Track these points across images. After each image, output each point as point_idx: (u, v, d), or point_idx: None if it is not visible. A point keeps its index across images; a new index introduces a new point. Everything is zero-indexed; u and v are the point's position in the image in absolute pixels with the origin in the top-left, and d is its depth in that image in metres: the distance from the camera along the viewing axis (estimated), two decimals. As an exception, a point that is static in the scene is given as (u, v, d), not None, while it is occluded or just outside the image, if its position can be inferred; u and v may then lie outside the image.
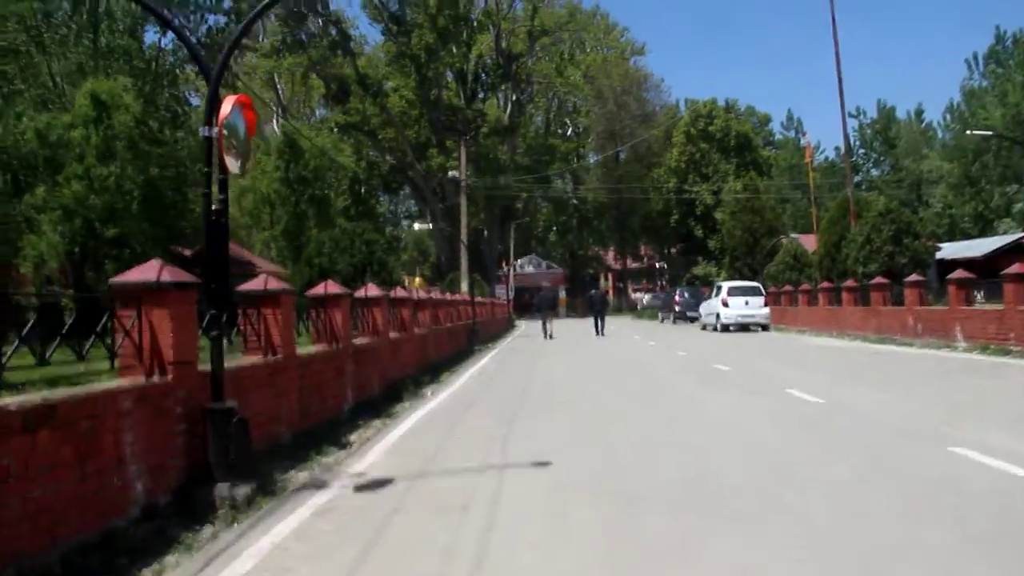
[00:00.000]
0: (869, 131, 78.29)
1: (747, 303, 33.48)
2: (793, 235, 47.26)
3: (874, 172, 77.55)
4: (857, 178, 76.11)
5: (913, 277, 23.74)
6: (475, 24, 66.63)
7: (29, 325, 6.02)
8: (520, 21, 70.45)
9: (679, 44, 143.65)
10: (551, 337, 32.93)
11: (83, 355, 6.40)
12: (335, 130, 64.38)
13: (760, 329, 33.60)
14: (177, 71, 39.40)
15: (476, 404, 13.38)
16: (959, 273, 21.54)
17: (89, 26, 34.82)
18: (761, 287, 35.07)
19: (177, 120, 39.87)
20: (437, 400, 14.21)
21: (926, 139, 75.23)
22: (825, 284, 30.60)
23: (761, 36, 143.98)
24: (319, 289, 12.32)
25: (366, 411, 12.20)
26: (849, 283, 28.28)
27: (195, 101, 59.88)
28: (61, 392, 5.67)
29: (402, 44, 63.56)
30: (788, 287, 35.56)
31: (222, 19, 40.32)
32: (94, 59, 33.93)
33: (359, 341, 13.55)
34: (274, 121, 64.00)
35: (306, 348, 11.14)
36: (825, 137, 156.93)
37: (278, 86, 67.78)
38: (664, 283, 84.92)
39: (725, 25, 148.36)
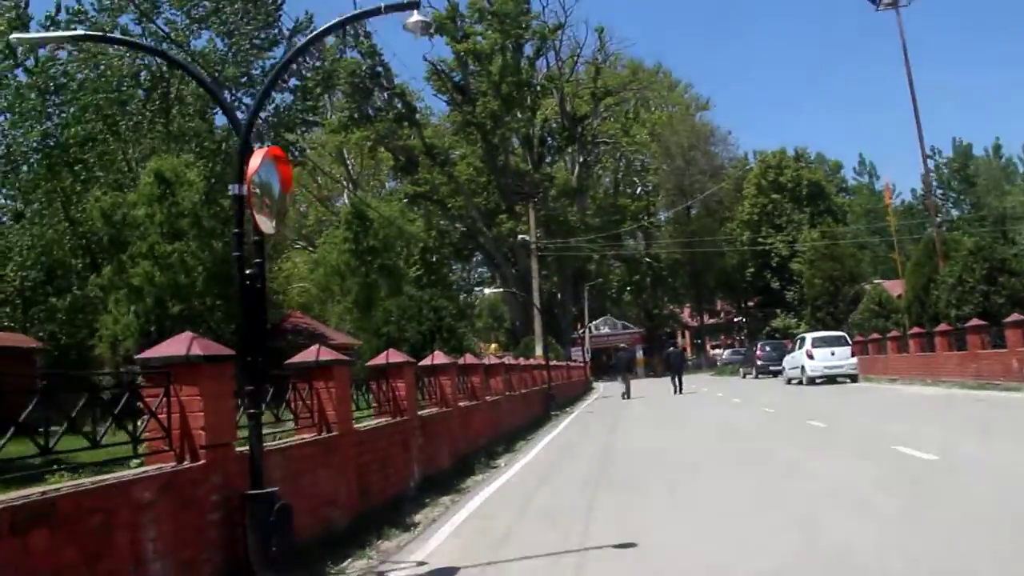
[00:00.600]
0: (946, 170, 76.07)
1: (833, 354, 31.93)
2: (876, 280, 45.49)
3: (954, 212, 75.07)
4: (938, 219, 73.92)
5: (1014, 317, 22.14)
6: (539, 89, 66.56)
7: (81, 403, 5.38)
8: (583, 83, 70.35)
9: (743, 96, 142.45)
10: (629, 396, 32.81)
11: (97, 440, 5.63)
12: (405, 200, 64.72)
13: (848, 380, 31.98)
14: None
15: (553, 476, 12.38)
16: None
17: (161, 111, 35.25)
18: (847, 336, 33.50)
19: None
20: (511, 472, 13.25)
21: (1006, 175, 72.75)
22: (915, 330, 29.02)
23: (827, 82, 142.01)
24: (380, 359, 11.56)
25: (434, 487, 11.29)
26: (942, 327, 26.73)
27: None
28: (66, 483, 4.92)
29: (467, 113, 63.72)
30: (875, 335, 33.92)
31: (288, 97, 40.24)
32: (166, 142, 34.18)
33: (426, 412, 12.71)
34: (344, 195, 64.55)
35: (366, 422, 10.33)
36: (900, 179, 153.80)
37: (347, 160, 68.42)
38: (742, 338, 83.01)
39: (790, 73, 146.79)
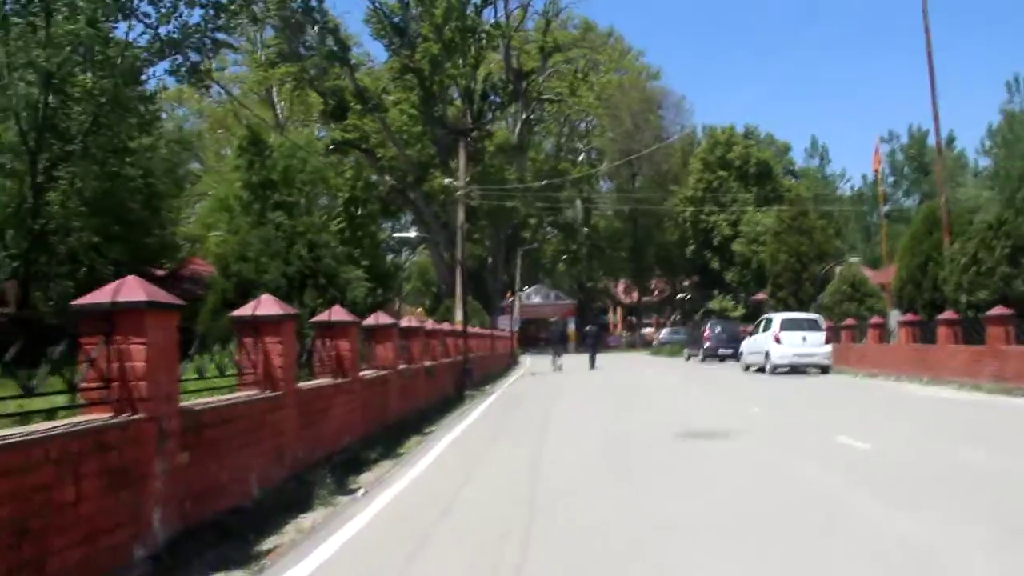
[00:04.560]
0: (902, 156, 71.30)
1: (804, 339, 26.29)
2: (852, 259, 39.92)
3: (904, 201, 70.48)
4: (886, 207, 69.21)
5: (1060, 306, 16.59)
6: (483, 38, 59.85)
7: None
8: (531, 39, 63.98)
9: (696, 69, 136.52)
10: (560, 370, 32.64)
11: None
12: (331, 147, 57.96)
13: (819, 371, 26.47)
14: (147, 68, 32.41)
15: (443, 521, 6.42)
16: None
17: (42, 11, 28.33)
18: (820, 320, 27.85)
19: (145, 124, 33.35)
20: (374, 507, 7.29)
21: (959, 167, 68.13)
22: (909, 316, 23.44)
23: (781, 61, 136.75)
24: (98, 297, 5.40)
25: (204, 546, 5.31)
26: (948, 315, 21.19)
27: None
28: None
29: (405, 58, 56.92)
30: (850, 320, 28.38)
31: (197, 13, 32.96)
32: (43, 47, 27.42)
33: (220, 400, 6.70)
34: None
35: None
36: (851, 165, 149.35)
37: (277, 104, 61.31)
38: (676, 318, 78.02)
39: (744, 51, 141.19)
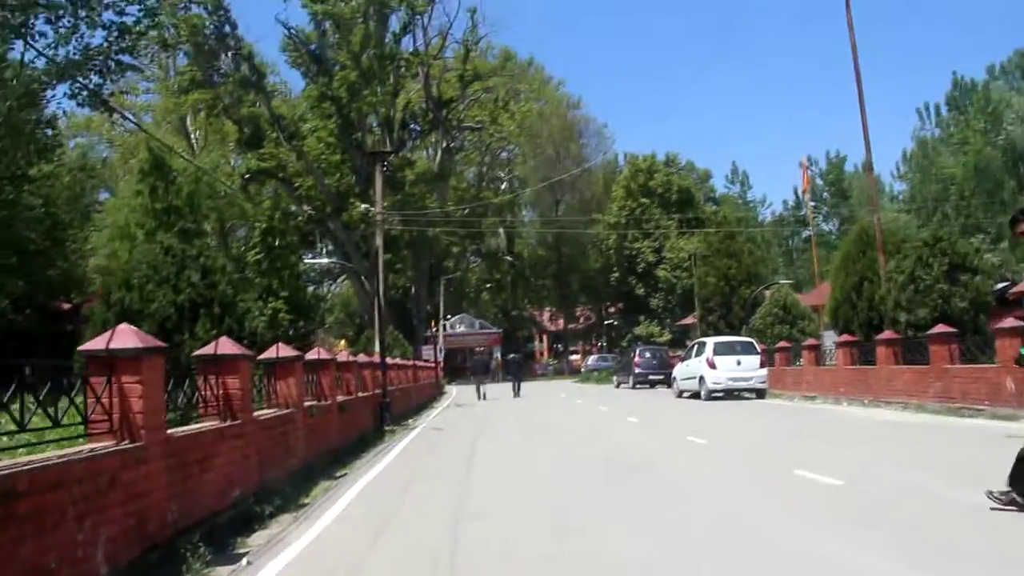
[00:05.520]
0: (821, 181, 71.64)
1: (739, 363, 25.18)
2: (782, 281, 39.13)
3: (823, 226, 70.76)
4: (807, 232, 69.38)
5: (1009, 322, 15.56)
6: (402, 66, 58.38)
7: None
8: (451, 68, 62.71)
9: (615, 98, 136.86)
10: (484, 399, 32.92)
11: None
12: (246, 176, 55.80)
13: (754, 396, 25.40)
14: (46, 90, 30.13)
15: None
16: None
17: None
18: (754, 343, 26.78)
19: (44, 150, 31.15)
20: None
21: (877, 191, 68.69)
22: (846, 337, 22.45)
23: (697, 89, 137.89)
24: None
25: None
26: (887, 335, 20.22)
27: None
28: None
29: (323, 85, 55.12)
30: (783, 343, 27.39)
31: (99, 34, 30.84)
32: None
33: (43, 459, 5.07)
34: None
35: None
36: (771, 190, 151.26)
37: (191, 133, 58.82)
38: (601, 344, 77.22)
39: (662, 79, 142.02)
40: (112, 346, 6.31)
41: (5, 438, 5.72)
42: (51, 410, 5.69)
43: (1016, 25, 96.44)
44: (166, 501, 6.65)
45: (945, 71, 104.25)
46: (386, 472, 11.91)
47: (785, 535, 6.40)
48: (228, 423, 8.54)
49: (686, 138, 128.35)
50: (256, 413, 9.64)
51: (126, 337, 6.39)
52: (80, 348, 6.54)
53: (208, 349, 8.90)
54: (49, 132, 31.44)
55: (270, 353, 11.08)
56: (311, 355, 13.14)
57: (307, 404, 11.99)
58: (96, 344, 6.37)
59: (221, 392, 8.67)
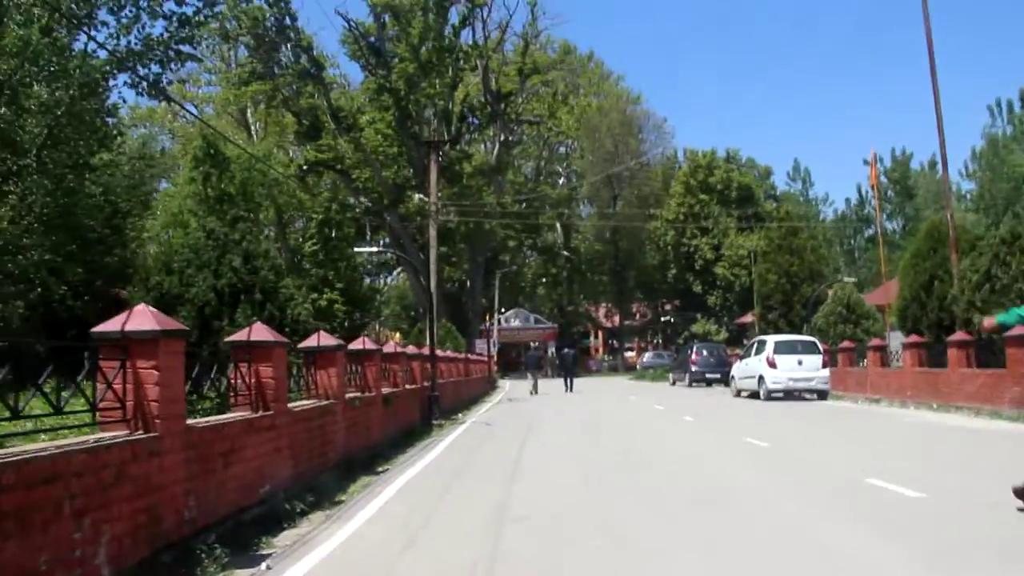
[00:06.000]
0: (886, 180, 69.66)
1: (800, 363, 24.19)
2: (847, 279, 37.81)
3: (887, 225, 68.85)
4: (869, 231, 67.50)
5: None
6: (461, 58, 57.85)
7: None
8: (510, 60, 62.10)
9: (676, 94, 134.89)
10: (536, 392, 32.82)
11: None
12: (305, 167, 55.81)
13: (815, 397, 24.41)
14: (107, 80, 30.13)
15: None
16: None
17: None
18: (817, 342, 25.74)
19: (105, 139, 31.17)
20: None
21: (944, 190, 66.55)
22: (914, 338, 21.40)
23: (759, 85, 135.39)
24: None
25: None
26: (959, 336, 19.18)
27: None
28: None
29: (381, 78, 54.88)
30: (846, 343, 26.32)
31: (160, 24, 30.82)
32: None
33: (37, 449, 4.54)
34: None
35: None
36: (833, 189, 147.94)
37: (251, 125, 59.00)
38: (656, 342, 76.18)
39: (723, 75, 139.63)
40: (127, 328, 5.79)
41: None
42: (61, 396, 5.22)
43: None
44: (183, 496, 6.13)
45: (1021, 65, 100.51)
46: (430, 468, 11.33)
47: (871, 561, 5.65)
48: (259, 414, 8.02)
49: (747, 135, 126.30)
50: (293, 404, 9.14)
51: (143, 319, 5.87)
52: (93, 330, 6.02)
53: (241, 335, 8.38)
54: (110, 121, 31.48)
55: (311, 341, 10.58)
56: (355, 345, 12.60)
57: (349, 396, 11.46)
58: (110, 326, 5.85)
59: (254, 381, 8.16)
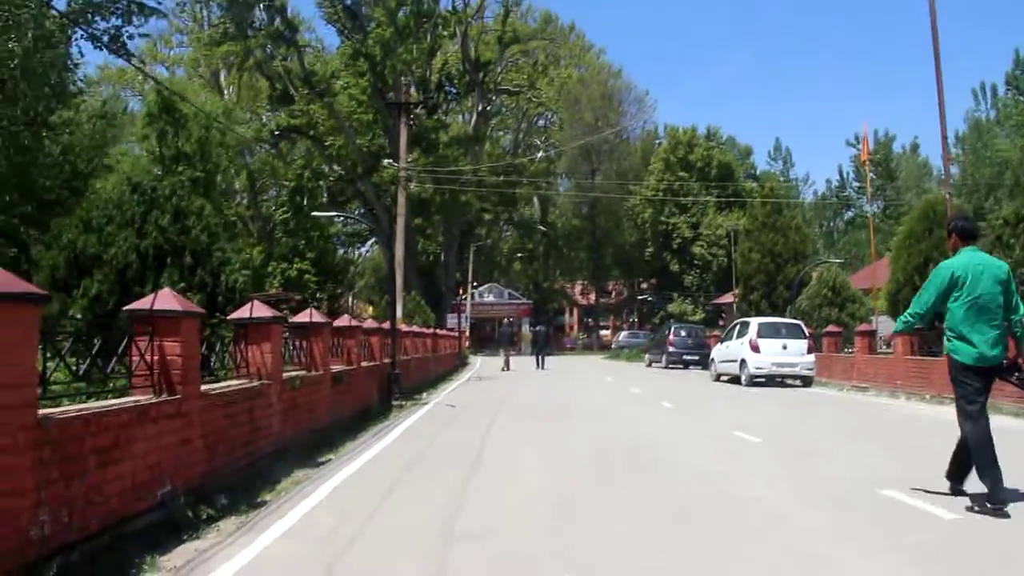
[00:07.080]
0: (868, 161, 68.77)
1: (785, 347, 22.92)
2: (832, 260, 36.57)
3: (867, 207, 68.02)
4: (850, 213, 66.60)
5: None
6: (439, 24, 55.96)
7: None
8: (490, 30, 60.39)
9: (658, 69, 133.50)
10: (508, 369, 32.71)
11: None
12: (276, 132, 54.07)
13: (800, 383, 23.18)
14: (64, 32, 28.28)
15: None
16: None
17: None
18: (802, 326, 24.44)
19: (62, 95, 29.34)
20: None
21: (924, 173, 65.75)
22: (907, 323, 20.19)
23: (740, 63, 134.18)
24: None
25: None
26: (957, 323, 17.95)
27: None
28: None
29: (357, 42, 53.01)
30: (833, 327, 25.07)
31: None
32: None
33: None
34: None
35: None
36: (814, 170, 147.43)
37: (224, 89, 56.94)
38: (632, 321, 75.09)
39: (704, 53, 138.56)
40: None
41: None
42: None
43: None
44: (32, 509, 4.68)
45: (1007, 49, 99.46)
46: (379, 459, 9.90)
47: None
48: (162, 398, 6.55)
49: (728, 113, 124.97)
50: (211, 386, 7.69)
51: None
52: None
53: (144, 303, 6.89)
54: (73, 78, 29.66)
55: (242, 313, 9.10)
56: (300, 317, 11.13)
57: (289, 375, 10.01)
58: None
59: (156, 359, 6.69)
